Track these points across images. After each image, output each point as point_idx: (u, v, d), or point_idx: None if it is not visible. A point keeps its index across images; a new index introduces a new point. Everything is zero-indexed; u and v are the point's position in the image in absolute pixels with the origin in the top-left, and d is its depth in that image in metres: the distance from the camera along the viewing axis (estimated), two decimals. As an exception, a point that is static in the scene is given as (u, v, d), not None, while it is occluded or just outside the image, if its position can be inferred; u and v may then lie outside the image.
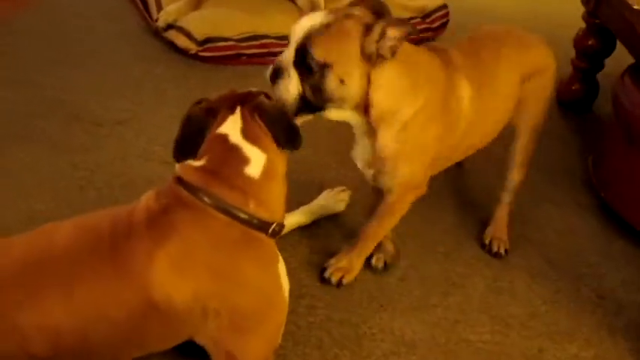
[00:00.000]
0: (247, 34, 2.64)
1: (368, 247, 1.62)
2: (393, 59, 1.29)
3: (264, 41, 2.64)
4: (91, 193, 1.84)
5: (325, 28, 1.26)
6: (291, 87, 1.31)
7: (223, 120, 1.24)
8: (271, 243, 1.27)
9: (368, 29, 1.26)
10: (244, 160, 1.21)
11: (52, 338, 1.12)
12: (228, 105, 1.26)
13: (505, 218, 1.81)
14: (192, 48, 2.57)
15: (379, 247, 1.66)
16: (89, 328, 1.14)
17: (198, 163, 1.23)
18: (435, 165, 1.55)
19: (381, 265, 1.67)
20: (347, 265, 1.62)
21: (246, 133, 1.23)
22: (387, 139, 1.40)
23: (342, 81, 1.29)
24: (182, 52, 2.60)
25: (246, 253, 1.21)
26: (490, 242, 1.78)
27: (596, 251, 1.83)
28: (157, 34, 2.72)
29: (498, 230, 1.80)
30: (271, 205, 1.25)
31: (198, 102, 1.30)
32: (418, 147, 1.43)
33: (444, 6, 3.03)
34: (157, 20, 2.71)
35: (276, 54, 2.58)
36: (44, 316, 1.11)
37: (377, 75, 1.31)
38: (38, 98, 2.26)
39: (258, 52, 2.62)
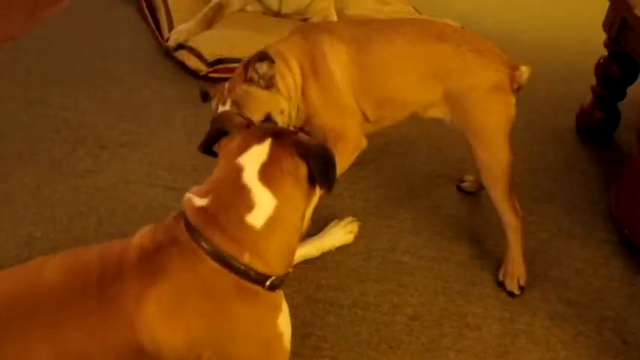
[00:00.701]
0: (259, 56, 2.58)
1: None
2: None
3: (275, 63, 2.58)
4: (92, 219, 1.78)
5: (236, 106, 1.53)
6: None
7: (247, 147, 1.15)
8: (269, 295, 1.15)
9: (248, 80, 1.55)
10: (248, 206, 1.10)
11: None
12: (258, 134, 1.16)
13: (514, 250, 1.71)
14: (203, 69, 2.52)
15: None
16: None
17: (201, 203, 1.12)
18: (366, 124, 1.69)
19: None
20: None
21: (264, 172, 1.12)
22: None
23: (282, 111, 1.57)
24: (192, 72, 2.56)
25: (239, 305, 1.11)
26: (504, 279, 1.70)
27: (619, 292, 1.73)
28: (168, 53, 2.68)
29: (511, 265, 1.71)
30: (270, 258, 1.12)
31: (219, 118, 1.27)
32: (309, 98, 1.63)
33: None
34: (167, 40, 2.67)
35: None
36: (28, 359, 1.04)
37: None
38: (45, 118, 2.22)
39: (269, 73, 2.56)
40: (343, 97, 1.63)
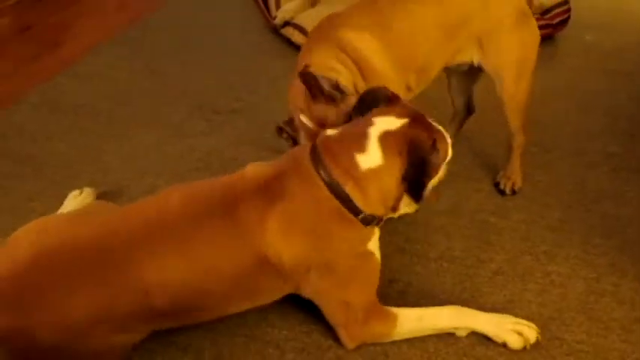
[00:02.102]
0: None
1: None
2: None
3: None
4: (205, 174, 1.99)
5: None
6: None
7: (386, 113, 1.32)
8: (362, 226, 1.32)
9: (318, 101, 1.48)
10: (361, 149, 1.29)
11: (172, 293, 1.26)
12: (402, 111, 1.33)
13: (516, 161, 1.91)
14: (307, 43, 2.68)
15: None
16: (205, 283, 1.28)
17: (330, 132, 1.35)
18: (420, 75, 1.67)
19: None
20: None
21: (386, 137, 1.29)
22: None
23: None
24: (298, 47, 2.72)
25: (338, 227, 1.30)
26: (500, 180, 1.93)
27: None
28: (276, 31, 2.86)
29: (510, 172, 1.92)
30: (366, 196, 1.29)
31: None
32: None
33: (565, 2, 2.91)
34: (275, 18, 2.86)
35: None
36: (164, 273, 1.25)
37: None
38: (166, 87, 2.48)
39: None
40: (387, 77, 1.57)
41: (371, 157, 1.28)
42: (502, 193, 1.93)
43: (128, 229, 1.29)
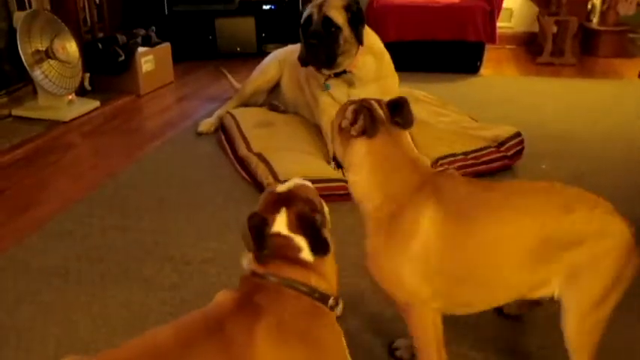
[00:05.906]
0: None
1: None
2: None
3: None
4: (176, 327, 1.95)
5: None
6: None
7: (273, 221, 1.43)
8: (333, 315, 1.39)
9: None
10: (298, 248, 1.39)
11: None
12: (273, 209, 1.44)
13: None
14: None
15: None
16: None
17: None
18: (446, 302, 1.53)
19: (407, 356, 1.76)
20: None
21: (292, 227, 1.41)
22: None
23: None
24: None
25: (320, 321, 1.36)
26: None
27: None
28: (244, 178, 2.95)
29: None
30: (328, 278, 1.41)
31: (252, 216, 1.44)
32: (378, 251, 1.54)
33: (518, 134, 3.09)
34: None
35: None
36: None
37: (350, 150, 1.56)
38: (136, 242, 2.48)
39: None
40: (411, 272, 1.48)
41: (306, 246, 1.39)
42: None
43: None
